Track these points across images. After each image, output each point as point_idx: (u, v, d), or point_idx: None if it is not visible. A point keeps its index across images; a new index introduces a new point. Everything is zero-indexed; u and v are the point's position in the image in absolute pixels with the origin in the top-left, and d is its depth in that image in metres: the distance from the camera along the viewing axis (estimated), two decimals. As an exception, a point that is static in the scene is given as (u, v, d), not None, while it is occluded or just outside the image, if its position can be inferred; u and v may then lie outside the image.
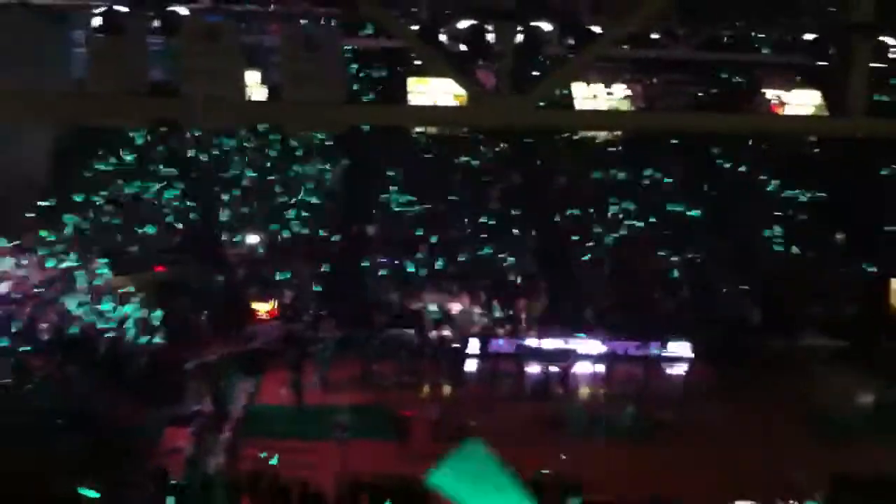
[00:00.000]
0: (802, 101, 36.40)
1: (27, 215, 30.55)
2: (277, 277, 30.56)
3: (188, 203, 33.60)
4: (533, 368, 27.44)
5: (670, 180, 35.59)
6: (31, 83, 10.85)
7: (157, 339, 25.26)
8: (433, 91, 35.22)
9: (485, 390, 26.76)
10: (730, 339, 28.84)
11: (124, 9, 11.65)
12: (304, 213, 33.92)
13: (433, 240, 32.60)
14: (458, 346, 28.09)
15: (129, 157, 35.37)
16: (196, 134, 35.53)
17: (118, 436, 19.93)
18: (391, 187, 35.27)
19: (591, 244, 32.90)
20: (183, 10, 12.66)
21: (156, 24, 12.39)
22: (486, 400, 25.33)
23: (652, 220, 33.91)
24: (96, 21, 11.76)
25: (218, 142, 36.90)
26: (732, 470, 20.23)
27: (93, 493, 16.76)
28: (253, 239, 32.32)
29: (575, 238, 33.21)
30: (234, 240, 32.18)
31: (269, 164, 36.48)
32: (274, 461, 19.47)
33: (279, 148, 36.94)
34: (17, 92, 10.88)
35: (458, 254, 32.12)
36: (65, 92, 12.83)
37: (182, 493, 18.02)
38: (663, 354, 29.02)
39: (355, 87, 36.94)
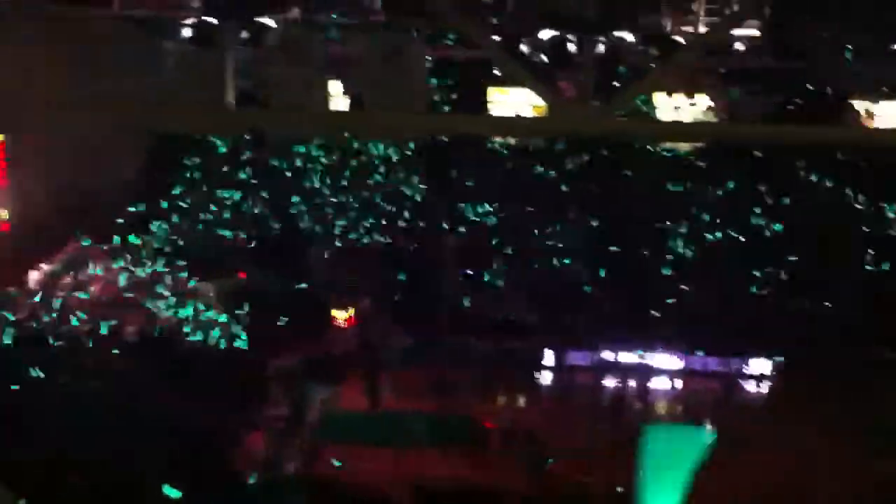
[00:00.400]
0: (892, 114, 35.37)
1: (117, 220, 31.42)
2: (355, 285, 30.79)
3: (270, 210, 34.16)
4: (609, 382, 27.13)
5: (755, 192, 34.84)
6: (125, 91, 11.20)
7: (238, 344, 25.71)
8: (513, 101, 35.20)
9: (559, 403, 26.53)
10: (816, 355, 28.08)
11: (214, 21, 11.93)
12: (382, 222, 34.19)
13: (510, 249, 32.51)
14: (533, 357, 27.96)
15: (214, 165, 36.16)
16: (279, 142, 36.17)
17: (199, 438, 20.34)
18: (469, 197, 35.31)
19: (671, 256, 32.40)
20: (270, 23, 12.92)
21: (244, 35, 12.65)
22: (560, 412, 25.17)
23: (734, 232, 33.25)
24: (187, 32, 12.06)
25: (300, 150, 37.49)
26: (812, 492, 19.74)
27: (175, 493, 17.18)
28: (332, 247, 32.69)
29: (655, 250, 32.74)
30: (315, 247, 32.57)
31: (349, 173, 36.92)
32: (348, 467, 19.69)
33: (360, 157, 37.35)
34: (112, 100, 11.24)
35: (534, 264, 31.96)
36: (155, 100, 13.21)
37: (259, 495, 18.36)
38: (744, 370, 28.39)
39: (435, 97, 37.17)
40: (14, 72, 26.72)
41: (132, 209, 32.55)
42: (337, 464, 19.78)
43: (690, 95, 36.52)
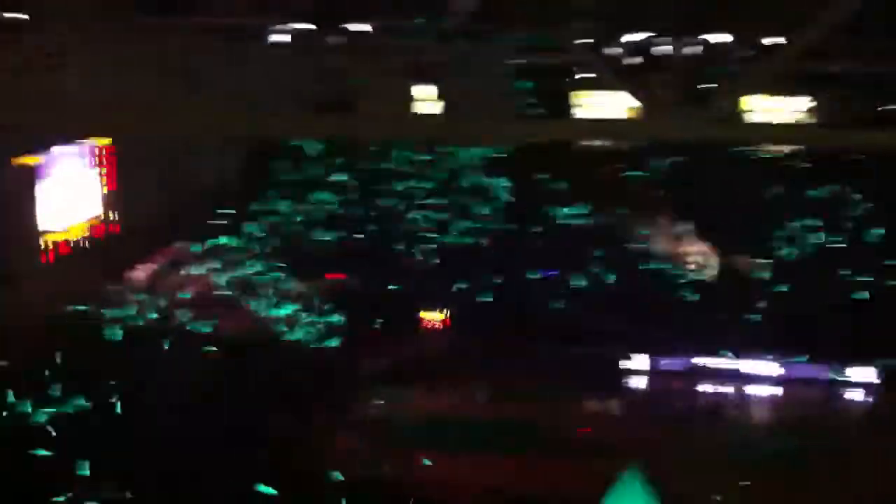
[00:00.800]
0: None
1: (214, 223, 32.29)
2: (447, 288, 30.98)
3: (364, 213, 34.67)
4: (704, 388, 26.64)
5: (856, 197, 33.90)
6: (217, 99, 11.55)
7: (332, 344, 26.09)
8: (603, 104, 35.00)
9: (652, 409, 26.10)
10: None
11: (302, 27, 12.20)
12: (474, 225, 34.37)
13: (600, 253, 32.28)
14: (625, 362, 27.65)
15: (308, 169, 36.92)
16: (371, 147, 36.76)
17: (294, 436, 20.74)
18: (560, 200, 35.25)
19: (769, 261, 31.69)
20: (358, 28, 13.16)
21: (332, 42, 12.90)
22: (653, 419, 24.82)
23: (836, 237, 32.37)
24: (274, 38, 12.36)
25: (392, 154, 38.00)
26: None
27: (271, 491, 17.57)
28: (424, 249, 32.97)
29: (752, 254, 32.08)
30: (408, 250, 32.90)
31: (439, 176, 37.25)
32: (436, 469, 19.82)
33: (449, 160, 37.67)
34: (206, 107, 11.59)
35: (626, 268, 31.65)
36: (248, 107, 13.54)
37: (352, 493, 18.63)
38: (844, 379, 27.45)
39: (523, 101, 37.21)
40: (113, 80, 27.79)
41: (232, 212, 33.44)
42: (426, 462, 19.87)
43: (784, 98, 35.83)
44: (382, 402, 23.73)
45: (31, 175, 23.17)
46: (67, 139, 24.72)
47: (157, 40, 22.23)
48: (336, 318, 27.38)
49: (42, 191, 23.49)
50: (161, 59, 18.42)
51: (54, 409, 17.94)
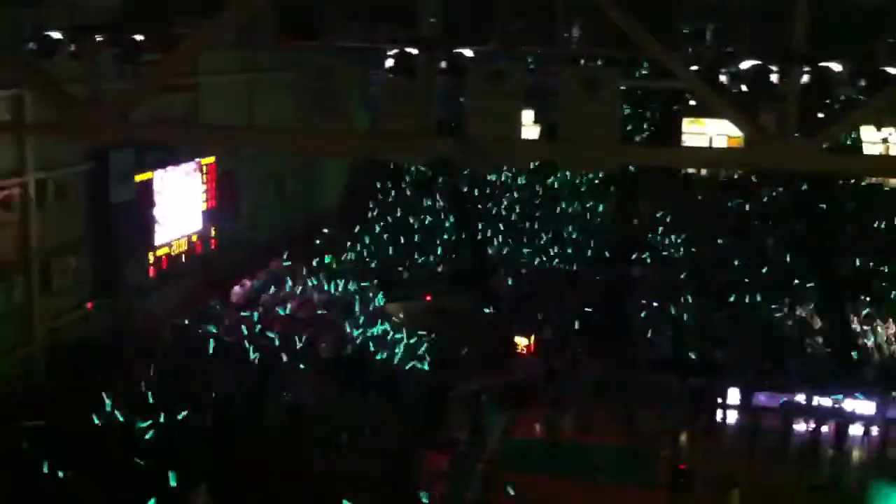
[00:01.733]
0: None
1: (317, 241, 32.95)
2: (540, 313, 30.83)
3: (460, 235, 34.90)
4: (800, 426, 25.82)
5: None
6: (334, 122, 11.78)
7: (424, 366, 26.22)
8: (709, 132, 34.49)
9: (745, 445, 25.39)
10: None
11: (415, 51, 12.34)
12: (569, 251, 34.20)
13: (701, 284, 31.66)
14: (720, 395, 27.03)
15: (410, 191, 37.41)
16: (473, 171, 37.01)
17: (384, 456, 20.84)
18: (660, 229, 34.83)
19: (874, 296, 30.57)
20: (469, 53, 13.23)
21: (443, 65, 13.01)
22: (746, 456, 24.19)
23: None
24: (389, 62, 12.53)
25: (491, 177, 38.19)
26: None
27: (354, 507, 17.65)
28: (518, 273, 32.90)
29: (859, 290, 31.00)
30: (502, 273, 32.90)
31: (537, 201, 37.25)
32: (524, 496, 19.64)
33: (549, 185, 37.64)
34: (320, 128, 11.84)
35: (725, 299, 30.94)
36: (360, 129, 13.79)
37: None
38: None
39: (629, 126, 36.98)
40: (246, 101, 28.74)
41: (329, 231, 34.08)
42: (511, 492, 19.69)
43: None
44: (471, 426, 23.69)
45: (150, 191, 23.99)
46: (180, 156, 25.51)
47: (290, 62, 22.88)
48: (429, 339, 27.48)
49: (155, 206, 24.29)
50: (290, 82, 18.97)
51: (150, 421, 18.39)
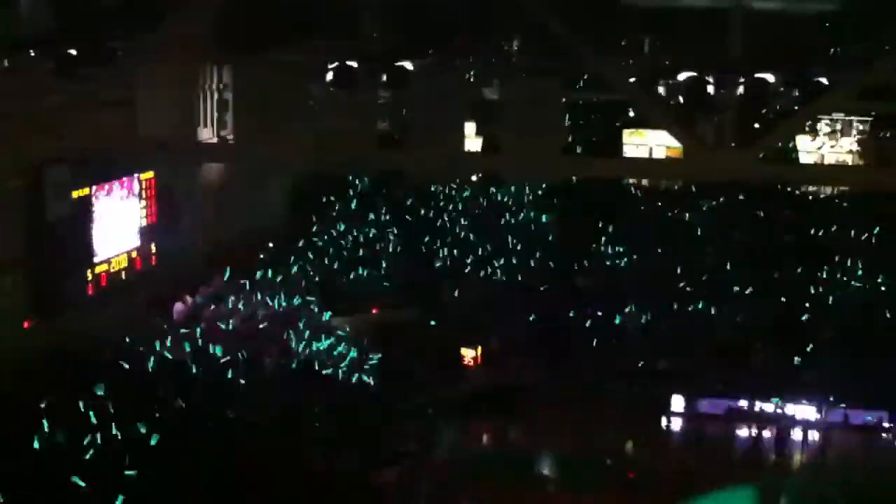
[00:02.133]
0: None
1: (258, 256, 32.58)
2: (486, 324, 30.88)
3: (406, 248, 34.80)
4: (743, 432, 26.18)
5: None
6: (275, 133, 11.69)
7: (370, 379, 26.08)
8: (650, 143, 34.93)
9: (690, 451, 25.68)
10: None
11: (355, 65, 12.31)
12: (514, 261, 34.31)
13: (644, 292, 31.98)
14: (665, 403, 27.32)
15: (352, 204, 37.22)
16: (415, 182, 37.02)
17: (333, 471, 20.67)
18: (603, 239, 35.12)
19: (815, 304, 31.12)
20: (409, 66, 13.25)
21: (384, 78, 13.01)
22: (690, 462, 24.47)
23: (885, 279, 31.72)
24: (329, 76, 12.49)
25: (435, 189, 38.20)
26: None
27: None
28: (464, 285, 32.92)
29: (798, 297, 31.54)
30: (448, 285, 32.87)
31: (482, 213, 37.35)
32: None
33: (494, 197, 37.78)
34: (265, 140, 11.75)
35: (671, 309, 31.28)
36: (304, 142, 13.73)
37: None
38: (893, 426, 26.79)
39: (570, 138, 37.25)
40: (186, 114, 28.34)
41: (272, 245, 33.73)
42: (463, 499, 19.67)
43: (835, 139, 35.46)
44: (421, 438, 23.63)
45: (87, 207, 23.54)
46: (116, 172, 25.09)
47: (231, 76, 22.71)
48: (374, 353, 27.36)
49: (94, 222, 23.84)
50: (235, 94, 18.80)
51: (88, 439, 18.01)
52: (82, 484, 16.36)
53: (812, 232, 34.95)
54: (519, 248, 35.07)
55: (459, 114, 12.44)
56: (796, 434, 26.24)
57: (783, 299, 31.16)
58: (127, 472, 17.25)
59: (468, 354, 29.51)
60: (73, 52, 13.57)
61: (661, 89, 19.53)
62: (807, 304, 30.90)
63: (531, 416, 26.04)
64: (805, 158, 34.84)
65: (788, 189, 36.26)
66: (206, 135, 27.32)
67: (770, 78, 13.92)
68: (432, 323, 30.93)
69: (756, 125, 26.71)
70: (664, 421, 27.20)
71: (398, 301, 31.62)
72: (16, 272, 21.46)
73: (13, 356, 21.23)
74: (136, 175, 25.74)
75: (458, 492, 20.91)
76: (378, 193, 37.74)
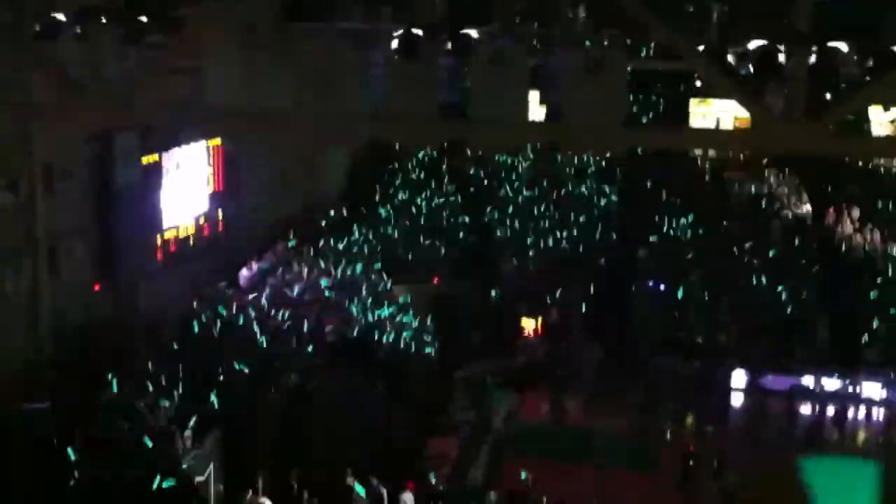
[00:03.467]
0: None
1: (322, 224, 32.91)
2: (546, 296, 30.79)
3: (466, 218, 34.85)
4: (806, 409, 25.79)
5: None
6: (334, 104, 11.73)
7: (429, 349, 26.24)
8: (716, 113, 34.27)
9: (751, 429, 25.38)
10: None
11: (420, 32, 12.26)
12: (575, 233, 34.13)
13: (707, 267, 31.55)
14: (725, 379, 26.99)
15: (414, 174, 37.33)
16: (478, 152, 36.98)
17: (390, 439, 20.89)
18: (667, 211, 34.70)
19: (880, 281, 30.41)
20: (474, 34, 13.15)
21: (448, 47, 12.93)
22: (751, 439, 24.22)
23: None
24: (394, 44, 12.46)
25: (497, 160, 38.09)
26: None
27: (361, 490, 17.70)
28: (526, 256, 32.86)
29: (865, 272, 30.86)
30: (508, 256, 32.84)
31: (545, 183, 37.16)
32: (529, 479, 19.63)
33: (556, 167, 37.56)
34: (323, 112, 11.80)
35: (733, 283, 30.82)
36: (363, 112, 13.76)
37: (441, 500, 18.61)
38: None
39: (634, 108, 36.77)
40: (247, 85, 28.59)
41: (333, 214, 34.04)
42: (522, 477, 19.69)
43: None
44: (476, 409, 23.71)
45: (155, 174, 23.94)
46: (184, 139, 25.45)
47: (290, 46, 22.81)
48: (434, 322, 27.49)
49: (162, 189, 24.24)
50: (294, 64, 19.01)
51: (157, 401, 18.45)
52: (150, 444, 16.75)
53: (880, 206, 34.13)
54: (581, 219, 34.88)
55: (523, 83, 12.31)
56: (860, 412, 25.78)
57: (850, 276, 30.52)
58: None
59: (528, 326, 29.48)
60: (143, 19, 13.77)
61: (730, 58, 19.11)
62: (877, 280, 30.21)
63: (589, 389, 25.91)
64: (877, 131, 33.81)
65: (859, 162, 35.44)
66: (272, 103, 27.58)
67: (843, 47, 13.54)
68: (492, 293, 30.98)
69: (827, 96, 26.13)
70: (725, 396, 26.88)
71: (459, 271, 31.71)
72: (87, 237, 21.96)
73: (83, 320, 21.80)
74: (203, 142, 26.10)
75: (513, 464, 20.93)
76: (440, 163, 37.81)
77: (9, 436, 16.14)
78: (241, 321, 24.14)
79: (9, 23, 13.40)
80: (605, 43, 26.21)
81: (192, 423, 17.71)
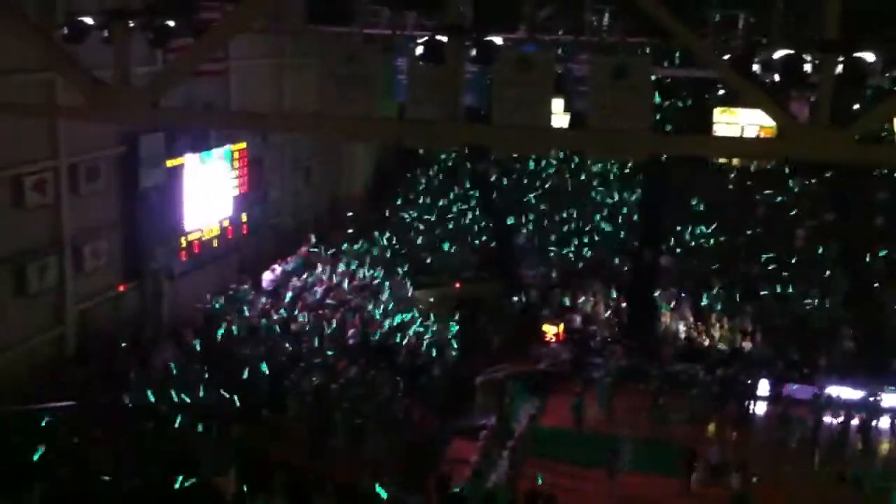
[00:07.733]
0: None
1: (345, 227, 33.04)
2: (567, 302, 30.79)
3: (489, 224, 34.88)
4: (829, 419, 25.61)
5: None
6: (360, 108, 11.77)
7: (451, 353, 26.28)
8: (741, 121, 34.13)
9: (774, 437, 25.24)
10: None
11: (444, 38, 12.28)
12: (597, 239, 34.08)
13: (730, 274, 31.41)
14: (747, 387, 26.85)
15: (439, 179, 37.40)
16: (501, 158, 37.01)
17: (411, 441, 20.93)
18: (689, 218, 34.58)
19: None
20: (498, 40, 13.15)
21: (473, 53, 12.94)
22: (773, 447, 24.09)
23: None
24: (419, 49, 12.48)
25: (520, 166, 38.09)
26: None
27: (383, 493, 17.71)
28: (547, 261, 32.84)
29: (889, 281, 30.59)
30: (531, 261, 32.84)
31: (567, 189, 37.13)
32: (548, 483, 19.62)
33: (579, 174, 37.52)
34: (351, 116, 11.84)
35: (756, 290, 30.66)
36: (389, 117, 13.80)
37: (462, 503, 18.59)
38: None
39: (658, 116, 36.68)
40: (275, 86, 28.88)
41: (357, 217, 34.16)
42: (540, 481, 19.68)
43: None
44: (497, 413, 23.71)
45: (180, 176, 24.12)
46: (211, 142, 25.65)
47: (318, 48, 23.03)
48: (455, 326, 27.55)
49: (187, 192, 24.42)
50: (318, 68, 19.21)
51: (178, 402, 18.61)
52: (173, 443, 16.87)
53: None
54: (602, 225, 34.84)
55: (547, 89, 12.30)
56: (884, 422, 25.57)
57: (874, 285, 30.29)
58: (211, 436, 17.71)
59: (550, 331, 29.48)
60: (169, 23, 13.92)
61: (755, 67, 19.04)
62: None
63: (611, 396, 25.87)
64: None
65: (885, 172, 35.10)
66: (296, 106, 27.81)
67: (869, 56, 13.46)
68: (515, 298, 31.00)
69: (855, 106, 25.93)
70: (749, 405, 26.73)
71: (481, 275, 31.75)
72: (112, 237, 22.15)
73: (108, 320, 21.99)
74: (228, 145, 26.29)
75: (534, 468, 20.92)
76: (463, 167, 37.85)
77: (34, 434, 16.29)
78: (263, 323, 24.34)
79: (37, 24, 13.56)
80: (632, 50, 26.25)
81: (214, 422, 17.83)
